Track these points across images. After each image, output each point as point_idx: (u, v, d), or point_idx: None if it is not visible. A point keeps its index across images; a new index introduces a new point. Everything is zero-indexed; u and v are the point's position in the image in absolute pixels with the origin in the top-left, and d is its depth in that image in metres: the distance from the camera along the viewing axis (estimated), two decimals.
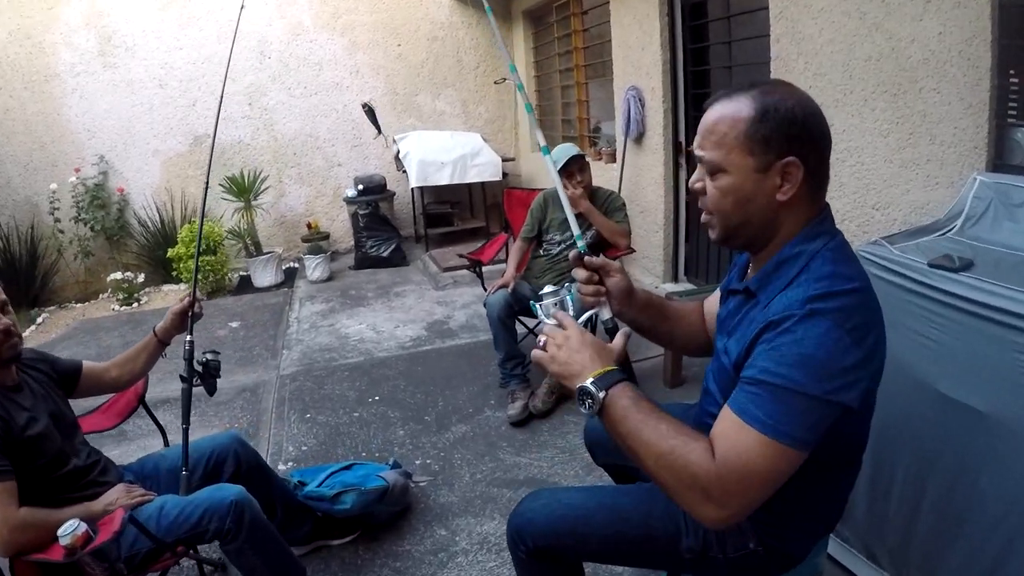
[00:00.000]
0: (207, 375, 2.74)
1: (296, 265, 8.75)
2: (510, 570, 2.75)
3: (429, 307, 6.49)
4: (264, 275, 7.89)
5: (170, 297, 7.95)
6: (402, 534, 3.07)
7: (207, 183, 3.27)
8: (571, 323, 1.58)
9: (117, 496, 2.31)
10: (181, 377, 2.65)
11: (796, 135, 1.40)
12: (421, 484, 3.42)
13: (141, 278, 8.02)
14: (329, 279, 7.89)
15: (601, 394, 1.43)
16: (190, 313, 2.74)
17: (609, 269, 1.81)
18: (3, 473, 2.06)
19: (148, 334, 2.78)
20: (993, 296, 1.85)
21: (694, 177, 1.54)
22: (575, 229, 2.02)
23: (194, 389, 2.71)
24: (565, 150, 4.25)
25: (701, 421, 1.63)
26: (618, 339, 1.60)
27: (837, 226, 1.51)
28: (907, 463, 2.19)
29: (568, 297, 1.71)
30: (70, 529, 1.99)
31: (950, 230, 2.41)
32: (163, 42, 8.27)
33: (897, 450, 2.20)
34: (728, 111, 1.44)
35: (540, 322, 1.69)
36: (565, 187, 4.09)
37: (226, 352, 5.58)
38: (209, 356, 2.78)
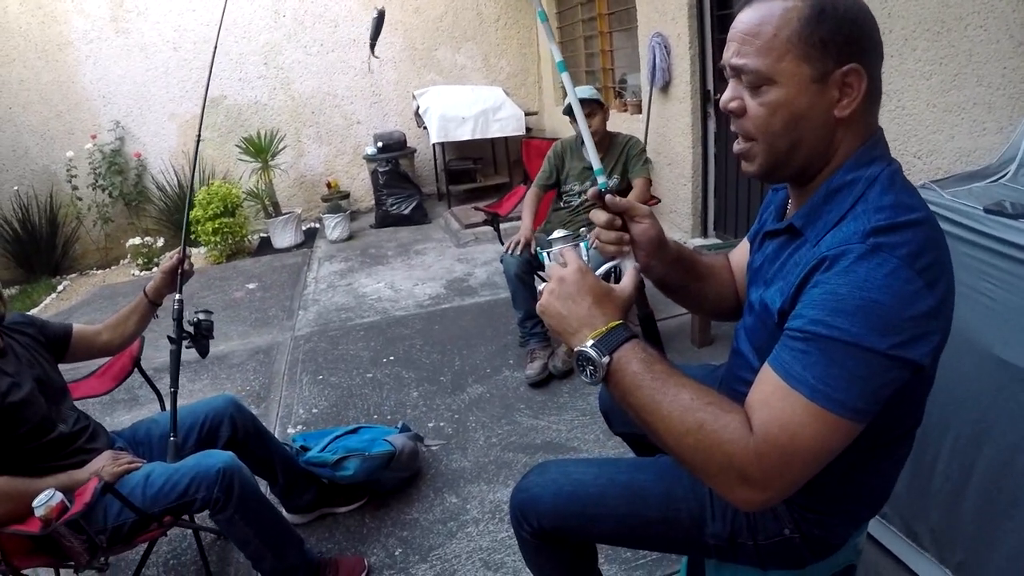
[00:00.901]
0: (199, 336, 2.61)
1: (316, 225, 8.68)
2: None
3: (449, 264, 6.38)
4: (283, 236, 7.82)
5: (192, 259, 7.86)
6: (411, 501, 2.95)
7: (199, 137, 3.11)
8: (572, 259, 1.31)
9: (103, 464, 2.22)
10: (169, 338, 2.52)
11: (856, 38, 1.16)
12: (433, 448, 3.29)
13: (160, 242, 8.03)
14: (349, 238, 7.81)
15: (604, 359, 1.17)
16: (179, 271, 2.61)
17: (635, 212, 1.45)
18: None
19: (139, 295, 2.66)
20: None
21: (728, 95, 1.24)
22: (595, 162, 1.71)
23: (185, 351, 2.58)
24: (583, 90, 4.04)
25: (732, 388, 1.41)
26: (626, 278, 1.34)
27: None
28: (955, 434, 1.97)
29: (583, 244, 1.40)
30: (44, 499, 1.89)
31: (1003, 176, 2.18)
32: (175, 4, 8.16)
33: (945, 419, 1.98)
34: (775, 9, 1.16)
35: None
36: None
37: (242, 314, 5.53)
38: (201, 316, 2.65)
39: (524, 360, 3.95)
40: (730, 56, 1.21)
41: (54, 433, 2.21)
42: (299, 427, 3.63)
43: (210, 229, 7.35)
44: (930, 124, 3.20)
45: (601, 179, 1.61)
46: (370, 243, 7.56)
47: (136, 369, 2.82)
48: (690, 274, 1.58)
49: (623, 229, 1.45)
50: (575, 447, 3.22)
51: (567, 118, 4.43)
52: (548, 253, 1.38)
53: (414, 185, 8.24)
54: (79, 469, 2.20)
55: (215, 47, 3.41)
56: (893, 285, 1.05)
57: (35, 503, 1.88)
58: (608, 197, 1.42)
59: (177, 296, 2.60)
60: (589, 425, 3.37)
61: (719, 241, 5.46)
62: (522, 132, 8.27)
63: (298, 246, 7.86)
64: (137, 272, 7.69)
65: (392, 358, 4.38)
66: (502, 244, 4.38)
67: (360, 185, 9.09)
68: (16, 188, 7.96)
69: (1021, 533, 1.80)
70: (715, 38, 5.18)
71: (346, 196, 8.55)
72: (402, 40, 8.87)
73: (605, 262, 1.48)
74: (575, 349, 1.21)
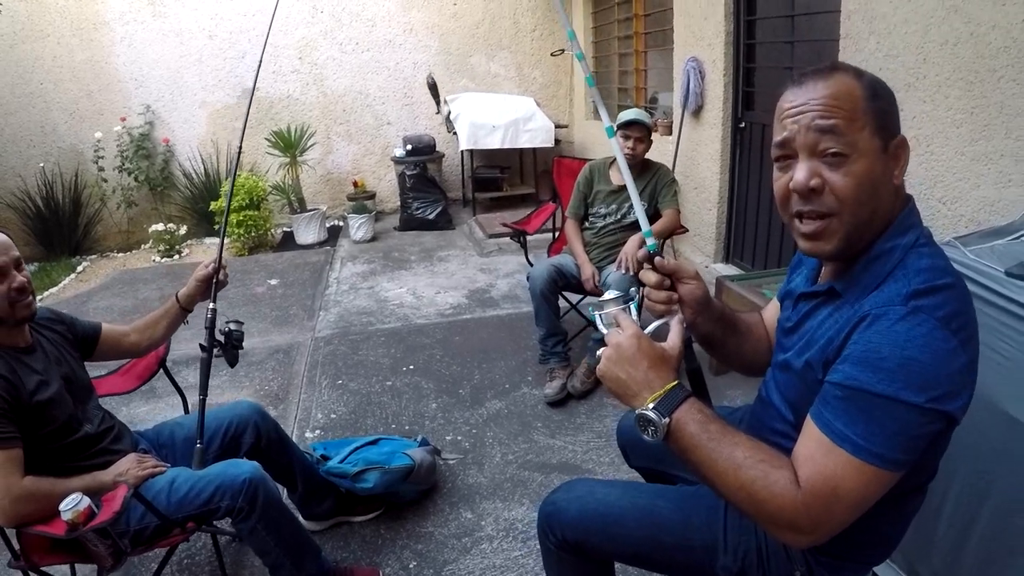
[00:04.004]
0: (229, 345, 2.64)
1: (340, 223, 8.74)
2: (536, 560, 2.67)
3: (472, 274, 6.41)
4: (307, 232, 7.88)
5: (211, 251, 7.98)
6: (426, 515, 3.00)
7: (240, 146, 3.12)
8: (627, 324, 1.41)
9: (128, 466, 2.24)
10: (201, 346, 2.54)
11: (896, 112, 1.28)
12: (450, 462, 3.34)
13: (183, 230, 8.11)
14: (373, 239, 7.86)
15: (664, 420, 1.28)
16: (214, 280, 2.62)
17: (683, 274, 1.56)
18: (8, 440, 2.00)
19: (170, 299, 2.67)
20: None
21: (805, 175, 1.26)
22: (643, 224, 1.78)
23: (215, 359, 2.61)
24: (634, 112, 4.09)
25: (760, 435, 1.44)
26: (674, 336, 1.43)
27: None
28: (962, 483, 2.04)
29: (632, 305, 1.49)
30: (72, 504, 1.92)
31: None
32: None
33: (953, 468, 2.03)
34: (846, 83, 1.24)
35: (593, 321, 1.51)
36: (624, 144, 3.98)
37: (262, 311, 5.59)
38: (232, 326, 2.67)
39: (543, 378, 3.99)
40: (814, 120, 1.24)
41: (80, 433, 2.23)
42: (317, 432, 3.69)
43: (234, 221, 7.40)
44: (957, 171, 3.23)
45: (650, 241, 1.67)
46: (393, 246, 7.61)
47: (161, 369, 2.87)
48: (731, 330, 1.67)
49: (671, 288, 1.54)
50: (590, 469, 3.26)
51: (598, 133, 4.46)
52: (600, 315, 1.47)
53: (440, 190, 8.28)
54: (104, 470, 2.21)
55: (263, 49, 3.51)
56: (931, 344, 1.13)
57: (62, 507, 1.91)
58: (657, 260, 1.53)
59: (211, 305, 2.60)
60: (604, 448, 3.41)
61: (738, 270, 5.48)
62: (551, 144, 8.31)
63: (321, 243, 7.91)
64: (158, 258, 7.74)
65: (412, 367, 4.43)
66: (528, 260, 4.43)
67: (386, 186, 9.15)
68: (42, 165, 8.04)
69: None
70: (741, 67, 5.23)
71: (372, 196, 8.59)
72: (438, 44, 8.92)
73: (656, 319, 1.55)
74: (637, 411, 1.30)
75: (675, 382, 1.32)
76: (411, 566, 2.70)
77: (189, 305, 2.66)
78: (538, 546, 2.54)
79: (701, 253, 5.91)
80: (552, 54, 9.07)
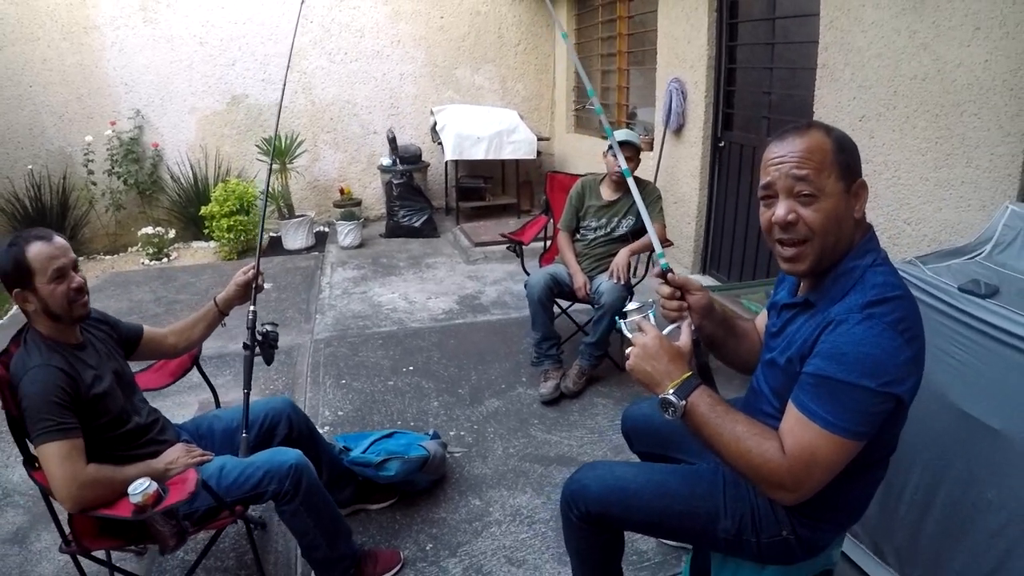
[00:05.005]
0: (266, 345, 2.84)
1: (326, 229, 8.91)
2: (542, 541, 2.94)
3: (460, 281, 6.64)
4: (295, 238, 8.04)
5: (199, 254, 8.16)
6: (438, 502, 3.24)
7: (270, 167, 3.35)
8: (649, 329, 1.75)
9: (177, 455, 2.41)
10: (245, 345, 2.77)
11: (858, 161, 1.64)
12: (456, 455, 3.59)
13: (172, 233, 8.21)
14: (360, 246, 8.05)
15: (682, 403, 1.63)
16: (254, 285, 2.84)
17: (691, 287, 1.94)
18: (71, 430, 2.14)
19: (208, 303, 2.86)
20: (1016, 324, 1.98)
21: (784, 211, 1.61)
22: (657, 246, 2.10)
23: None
24: (626, 133, 4.38)
25: (754, 418, 1.77)
26: (684, 337, 1.78)
27: None
28: (921, 469, 2.35)
29: (651, 312, 1.83)
30: (141, 487, 2.07)
31: (979, 254, 2.53)
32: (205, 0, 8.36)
33: (914, 456, 2.35)
34: (817, 140, 1.60)
35: (622, 334, 1.85)
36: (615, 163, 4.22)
37: (259, 313, 5.70)
38: (268, 327, 2.87)
39: (537, 379, 4.26)
40: (791, 171, 1.60)
41: (130, 424, 2.40)
42: (327, 428, 3.89)
43: (224, 226, 7.56)
44: (922, 195, 3.54)
45: (663, 261, 2.00)
46: (381, 252, 7.81)
47: (195, 367, 3.09)
48: (730, 333, 2.05)
49: (681, 299, 1.91)
50: (585, 461, 3.46)
51: (578, 146, 4.65)
52: (625, 322, 1.82)
53: (426, 199, 8.48)
54: (155, 459, 2.37)
55: (287, 65, 3.69)
56: (882, 342, 1.49)
57: (130, 490, 2.06)
58: (670, 276, 1.91)
59: (251, 307, 2.82)
60: (598, 442, 3.70)
61: (715, 282, 5.80)
62: (533, 156, 8.60)
63: (308, 249, 8.07)
64: (147, 261, 7.82)
65: (411, 368, 4.66)
66: (524, 269, 4.71)
67: (371, 194, 9.35)
68: (30, 167, 8.08)
69: (970, 555, 2.17)
70: (725, 89, 5.56)
71: (358, 203, 8.74)
72: (424, 56, 9.15)
73: (669, 324, 1.89)
74: (660, 396, 1.65)
75: (690, 372, 1.68)
76: (428, 548, 2.95)
77: (226, 309, 2.86)
78: (543, 528, 2.93)
79: (680, 264, 6.21)
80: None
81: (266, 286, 6.48)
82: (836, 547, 1.96)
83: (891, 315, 1.51)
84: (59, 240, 2.32)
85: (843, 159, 1.59)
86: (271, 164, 3.33)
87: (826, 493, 1.59)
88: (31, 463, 2.27)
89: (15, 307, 6.27)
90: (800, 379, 1.59)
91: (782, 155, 1.62)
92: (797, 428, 1.55)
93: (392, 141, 8.39)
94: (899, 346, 1.49)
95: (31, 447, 2.22)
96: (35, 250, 2.24)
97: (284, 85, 3.65)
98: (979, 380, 2.12)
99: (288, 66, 3.62)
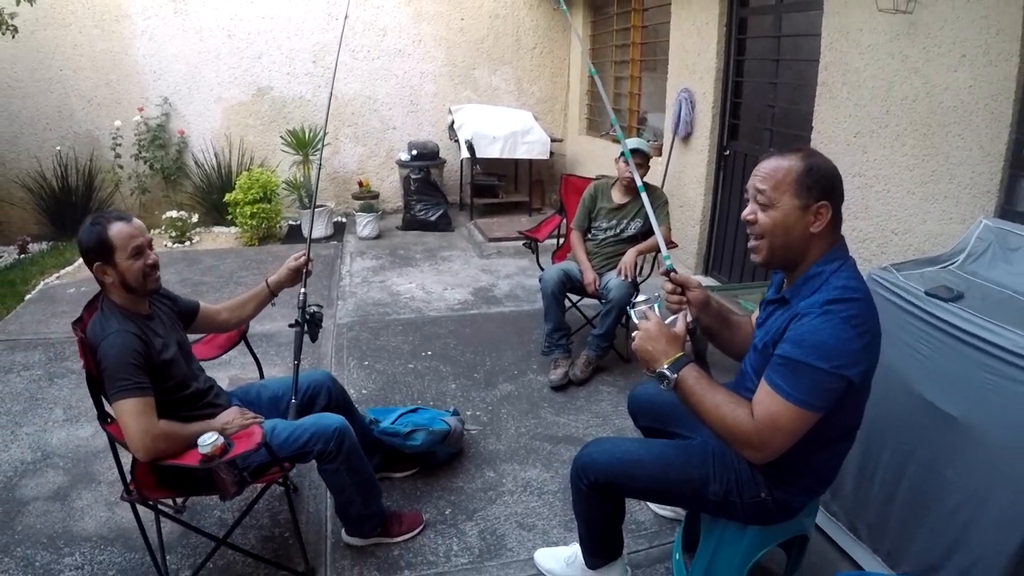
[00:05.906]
0: (313, 324, 3.17)
1: (344, 220, 9.14)
2: (550, 510, 3.25)
3: (475, 274, 6.92)
4: (315, 227, 8.16)
5: (221, 239, 8.41)
6: (456, 473, 3.54)
7: (319, 165, 3.62)
8: (652, 316, 2.10)
9: (232, 417, 2.63)
10: (296, 322, 3.10)
11: (829, 188, 1.93)
12: (472, 432, 3.89)
13: (195, 218, 8.44)
14: (378, 237, 8.31)
15: (673, 376, 1.99)
16: (304, 270, 3.16)
17: (690, 284, 2.27)
18: (145, 389, 2.38)
19: (261, 284, 3.17)
20: (974, 326, 2.25)
21: (748, 211, 2.01)
22: (663, 248, 2.48)
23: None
24: (637, 141, 4.68)
25: (740, 392, 2.09)
26: (679, 325, 2.14)
27: (860, 244, 2.07)
28: (890, 453, 2.63)
29: (656, 304, 2.18)
30: (210, 440, 2.29)
31: (952, 264, 2.78)
32: None
33: (883, 441, 2.64)
34: (784, 164, 1.93)
35: (630, 320, 2.19)
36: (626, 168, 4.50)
37: (282, 298, 5.90)
38: (314, 308, 3.18)
39: (547, 367, 4.56)
40: (756, 183, 1.97)
41: (191, 388, 2.65)
42: None
43: (248, 212, 7.80)
44: (909, 208, 3.81)
45: (668, 261, 2.36)
46: (398, 244, 8.08)
47: (243, 341, 3.39)
48: (724, 324, 2.38)
49: (682, 294, 2.26)
50: None
51: (590, 148, 4.89)
52: (634, 311, 2.17)
53: (442, 194, 8.74)
54: (211, 419, 2.59)
55: (336, 63, 4.23)
56: (836, 333, 1.80)
57: (200, 442, 2.29)
58: (673, 274, 2.26)
59: (302, 289, 3.15)
60: (602, 426, 4.01)
61: (716, 283, 6.09)
62: (546, 157, 8.89)
63: (327, 238, 8.31)
64: (170, 244, 7.99)
65: (430, 353, 4.97)
66: (539, 264, 5.03)
67: (388, 187, 9.59)
68: (58, 148, 8.38)
69: (932, 530, 2.44)
70: (732, 100, 5.85)
71: (376, 196, 8.97)
72: (444, 56, 9.40)
73: (672, 314, 2.24)
74: (656, 371, 2.00)
75: (681, 352, 2.04)
76: (447, 512, 3.25)
77: (277, 289, 3.18)
78: (551, 499, 3.28)
79: (683, 265, 6.47)
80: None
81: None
82: (809, 516, 2.29)
83: (846, 312, 1.81)
84: (137, 221, 2.58)
85: (807, 182, 1.89)
86: (320, 154, 3.66)
87: (795, 459, 1.94)
88: (104, 418, 2.52)
89: (43, 281, 6.58)
90: (771, 360, 1.90)
91: (758, 169, 1.99)
92: (765, 399, 1.87)
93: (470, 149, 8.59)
94: (850, 337, 1.79)
95: (106, 405, 2.48)
96: (116, 229, 2.49)
97: (332, 87, 3.98)
98: (940, 373, 2.40)
99: (336, 67, 4.10)
